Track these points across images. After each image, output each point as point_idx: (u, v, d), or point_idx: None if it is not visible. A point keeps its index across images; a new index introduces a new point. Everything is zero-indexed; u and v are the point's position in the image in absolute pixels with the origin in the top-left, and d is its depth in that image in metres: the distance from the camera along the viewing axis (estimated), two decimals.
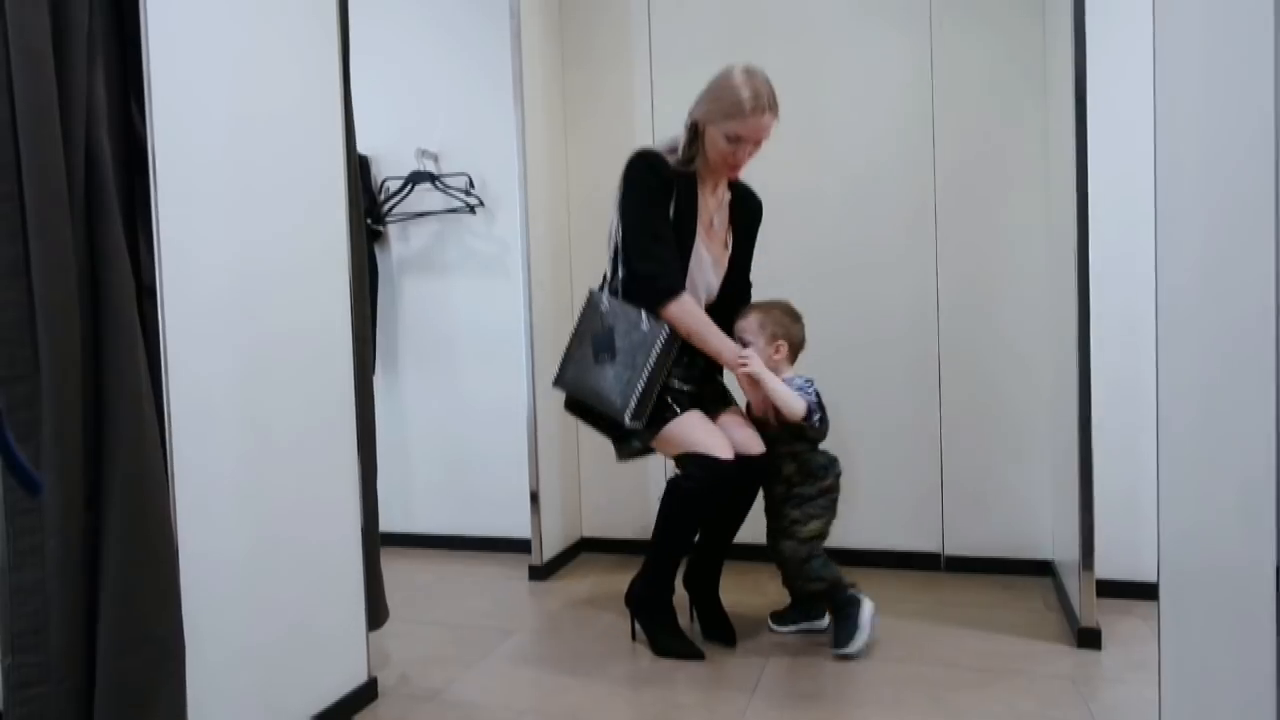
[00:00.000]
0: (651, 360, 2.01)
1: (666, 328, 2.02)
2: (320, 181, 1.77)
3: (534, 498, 2.79)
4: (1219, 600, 1.17)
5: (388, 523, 3.13)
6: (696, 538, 2.18)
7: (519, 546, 2.90)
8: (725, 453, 2.01)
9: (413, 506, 3.20)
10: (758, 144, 2.06)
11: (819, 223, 2.79)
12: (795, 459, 2.13)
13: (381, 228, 3.14)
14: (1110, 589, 2.23)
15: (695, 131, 2.08)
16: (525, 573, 2.79)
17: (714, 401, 2.22)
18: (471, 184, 3.03)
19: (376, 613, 1.95)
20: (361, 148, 3.11)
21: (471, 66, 3.02)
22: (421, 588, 2.72)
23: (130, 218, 1.38)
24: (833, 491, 2.13)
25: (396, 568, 2.91)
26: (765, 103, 2.00)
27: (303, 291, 1.70)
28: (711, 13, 2.85)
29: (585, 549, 3.10)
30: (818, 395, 2.11)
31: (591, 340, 2.11)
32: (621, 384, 2.03)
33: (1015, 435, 2.65)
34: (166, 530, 1.34)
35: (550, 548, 2.85)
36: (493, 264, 3.07)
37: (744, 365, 2.05)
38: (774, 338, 2.12)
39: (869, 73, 2.74)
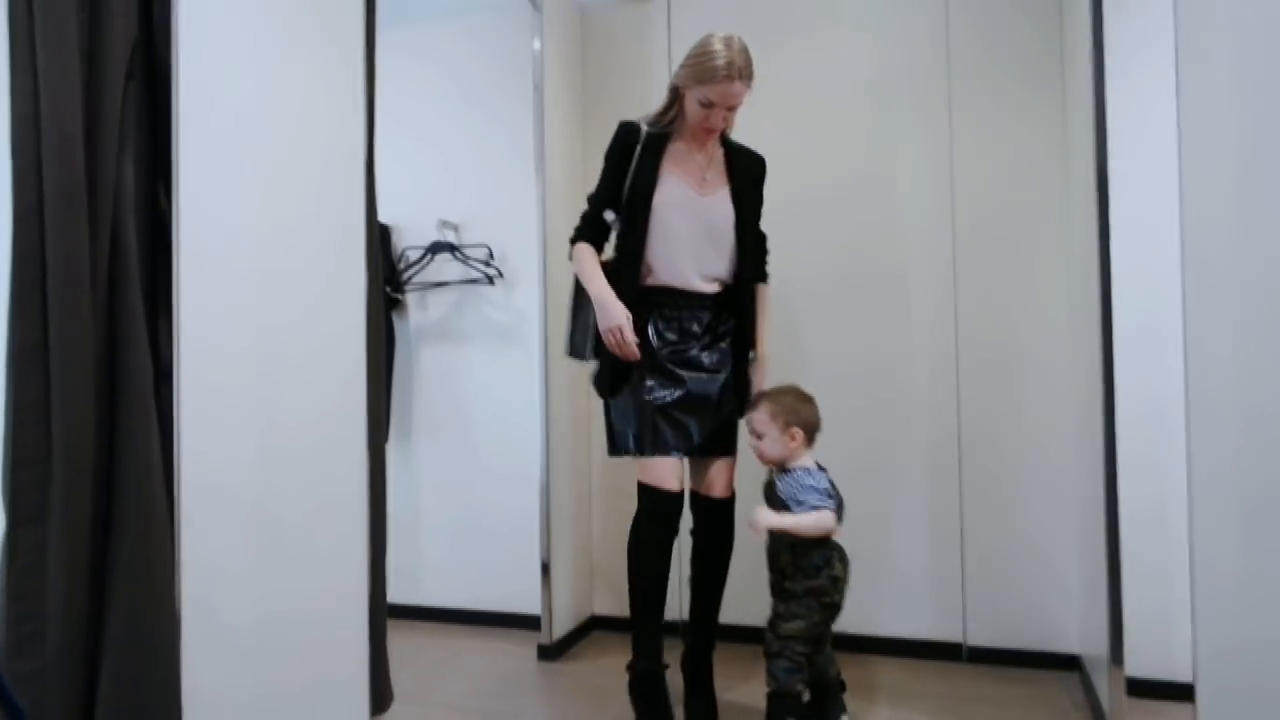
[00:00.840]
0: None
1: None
2: (341, 256, 1.78)
3: (545, 569, 2.74)
4: (1263, 689, 1.11)
5: (397, 594, 3.09)
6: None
7: (529, 623, 2.84)
8: (667, 484, 2.12)
9: (422, 577, 3.15)
10: (730, 109, 2.14)
11: (830, 304, 2.78)
12: (792, 549, 2.03)
13: (400, 296, 3.16)
14: (1141, 688, 2.14)
15: (675, 95, 2.20)
16: (534, 651, 2.72)
17: (719, 438, 2.20)
18: (491, 255, 3.06)
19: (381, 696, 1.90)
20: (383, 217, 3.17)
21: (494, 137, 3.07)
22: (429, 666, 2.66)
23: (152, 300, 1.38)
24: (823, 594, 2.00)
25: (404, 642, 2.85)
26: (737, 71, 2.07)
27: (319, 368, 1.69)
28: None
29: (596, 627, 3.03)
30: (831, 484, 2.04)
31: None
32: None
33: (1039, 519, 2.58)
34: (171, 618, 1.32)
35: (560, 625, 2.79)
36: (510, 335, 3.07)
37: (754, 527, 2.01)
38: (788, 425, 2.06)
39: (888, 148, 2.75)
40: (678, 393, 2.14)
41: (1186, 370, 1.34)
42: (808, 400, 2.12)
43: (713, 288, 2.22)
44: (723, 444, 2.21)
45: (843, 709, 2.11)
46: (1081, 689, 2.38)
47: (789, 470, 2.06)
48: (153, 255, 1.40)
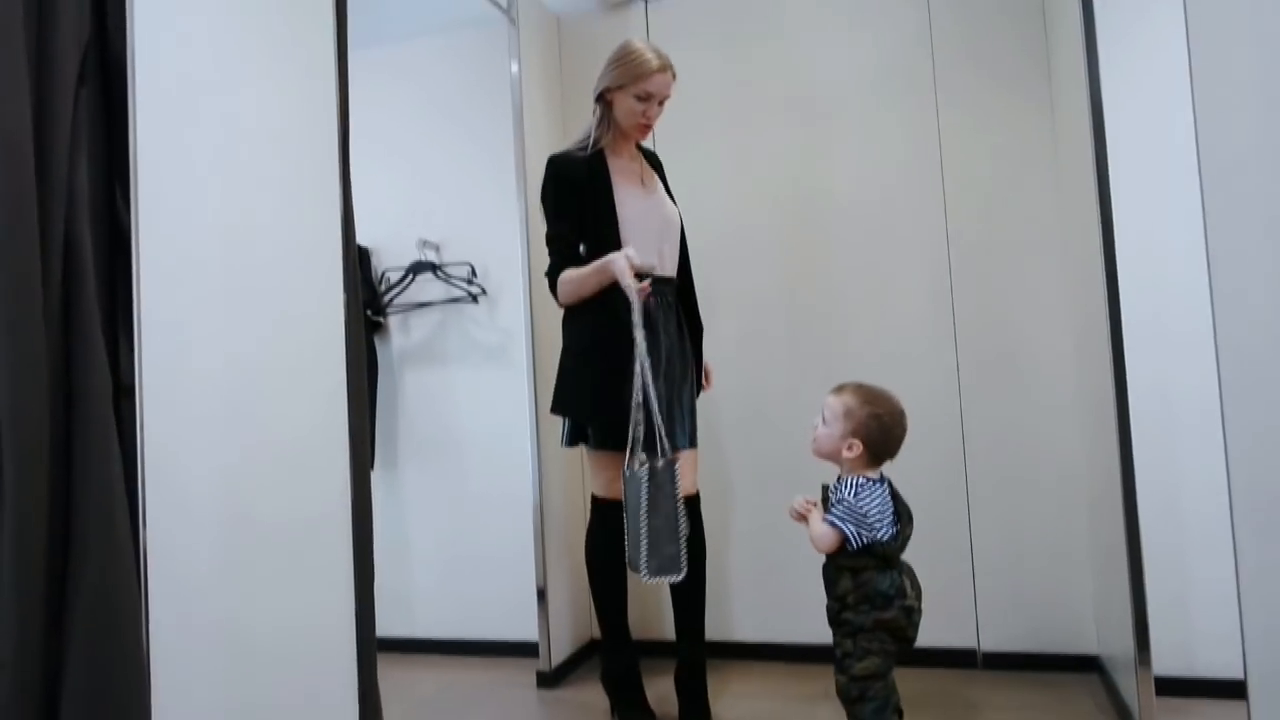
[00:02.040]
0: (643, 508, 1.99)
1: (673, 467, 2.00)
2: (316, 272, 1.70)
3: (541, 595, 2.64)
4: None
5: (388, 626, 2.99)
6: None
7: (526, 650, 2.73)
8: (603, 490, 2.22)
9: (414, 609, 3.04)
10: (662, 102, 2.22)
11: (828, 310, 2.72)
12: (853, 575, 1.79)
13: (382, 319, 3.08)
14: (1166, 686, 2.05)
15: (605, 102, 2.23)
16: (533, 679, 2.61)
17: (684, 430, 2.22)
18: (474, 273, 2.98)
19: None
20: (362, 239, 3.08)
21: (473, 154, 3.00)
22: (422, 701, 2.54)
23: (111, 312, 1.30)
24: (896, 628, 1.77)
25: (396, 677, 2.73)
26: (666, 62, 2.18)
27: (296, 388, 1.60)
28: (713, 100, 2.84)
29: (597, 651, 2.92)
30: (895, 497, 1.84)
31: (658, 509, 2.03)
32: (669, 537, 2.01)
33: (1048, 519, 2.51)
34: (136, 651, 1.22)
35: (559, 651, 2.68)
36: (496, 354, 2.99)
37: (795, 504, 1.91)
38: (852, 433, 1.82)
39: (875, 149, 2.71)
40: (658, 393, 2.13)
41: (1218, 352, 1.27)
42: (899, 422, 1.84)
43: (671, 275, 2.29)
44: (687, 437, 2.23)
45: None
46: (1104, 690, 2.29)
47: (841, 477, 1.87)
48: (111, 264, 1.32)
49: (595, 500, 2.27)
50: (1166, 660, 2.05)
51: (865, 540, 1.78)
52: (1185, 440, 2.24)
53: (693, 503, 2.19)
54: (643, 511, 1.96)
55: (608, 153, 2.26)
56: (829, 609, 1.85)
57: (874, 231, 2.70)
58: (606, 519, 2.22)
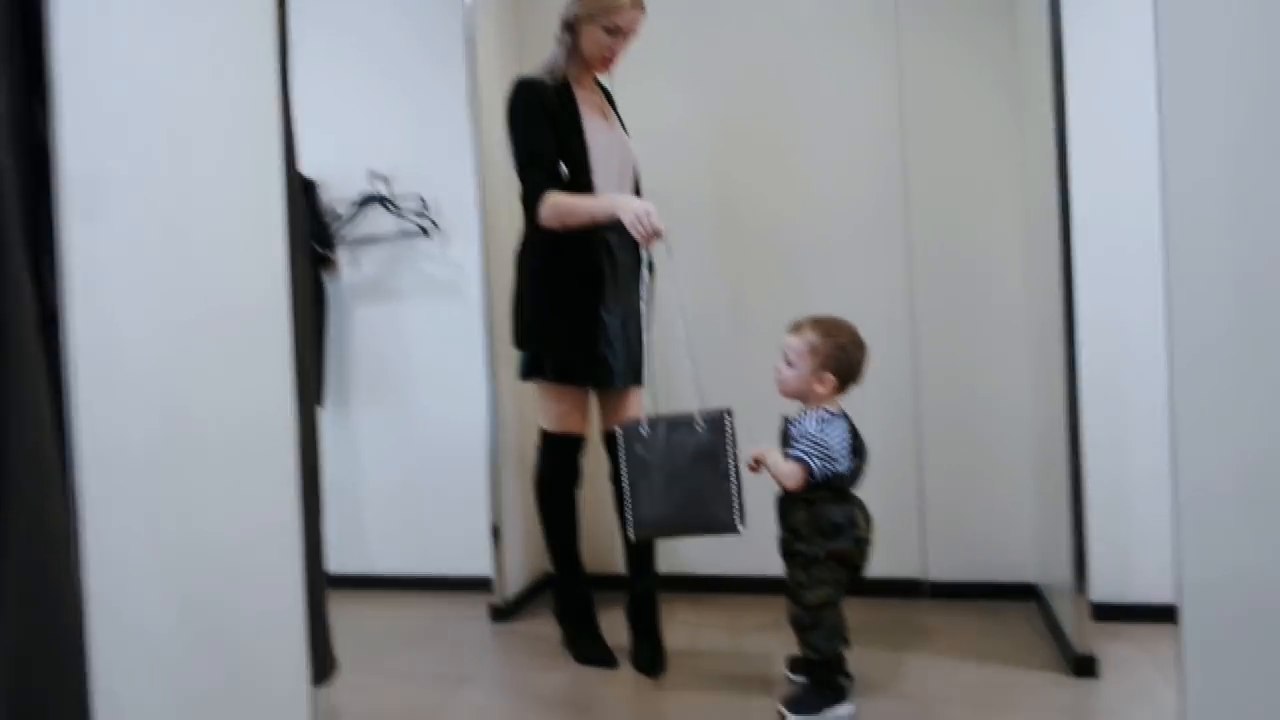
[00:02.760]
0: (731, 457, 1.87)
1: (726, 418, 1.89)
2: (255, 195, 1.62)
3: (495, 532, 2.64)
4: (1251, 612, 1.08)
5: (340, 564, 2.98)
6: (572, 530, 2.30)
7: (481, 585, 2.74)
8: (554, 425, 2.21)
9: (367, 546, 3.03)
10: (627, 37, 2.18)
11: (786, 242, 2.71)
12: (808, 506, 1.83)
13: (330, 253, 2.99)
14: (1100, 612, 2.13)
15: (572, 31, 2.17)
16: (486, 613, 2.63)
17: (635, 368, 2.20)
18: (425, 205, 2.91)
19: (322, 666, 1.79)
20: (307, 170, 2.99)
21: (425, 84, 2.90)
22: (375, 634, 2.55)
23: (34, 236, 1.23)
24: (847, 559, 1.82)
25: (349, 613, 2.72)
26: None
27: (235, 324, 1.55)
28: (673, 27, 2.76)
29: (551, 585, 2.94)
30: (852, 438, 1.86)
31: (652, 470, 1.93)
32: (713, 495, 1.87)
33: (996, 454, 2.56)
34: (72, 589, 1.18)
35: (513, 585, 2.70)
36: (449, 289, 2.93)
37: (755, 447, 1.88)
38: (822, 367, 1.84)
39: (837, 99, 2.67)
40: (617, 323, 2.17)
41: (1169, 294, 1.28)
42: (860, 346, 1.88)
43: None
44: (636, 374, 2.21)
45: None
46: (1040, 616, 2.38)
47: (805, 411, 1.89)
48: (34, 189, 1.25)
49: (546, 435, 2.25)
50: (1102, 587, 2.13)
51: (828, 473, 1.80)
52: (1132, 373, 2.29)
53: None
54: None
55: (572, 83, 2.21)
56: (782, 541, 1.88)
57: (831, 176, 2.67)
58: (556, 454, 2.23)
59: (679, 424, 1.90)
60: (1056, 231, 1.97)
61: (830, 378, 1.85)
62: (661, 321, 2.17)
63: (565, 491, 2.26)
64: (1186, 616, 1.32)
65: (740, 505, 1.85)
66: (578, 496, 2.29)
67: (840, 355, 1.85)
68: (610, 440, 2.22)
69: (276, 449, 1.66)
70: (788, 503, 1.87)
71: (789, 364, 1.88)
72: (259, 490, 1.60)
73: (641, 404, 2.24)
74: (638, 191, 2.33)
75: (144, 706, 1.32)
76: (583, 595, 2.31)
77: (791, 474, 1.82)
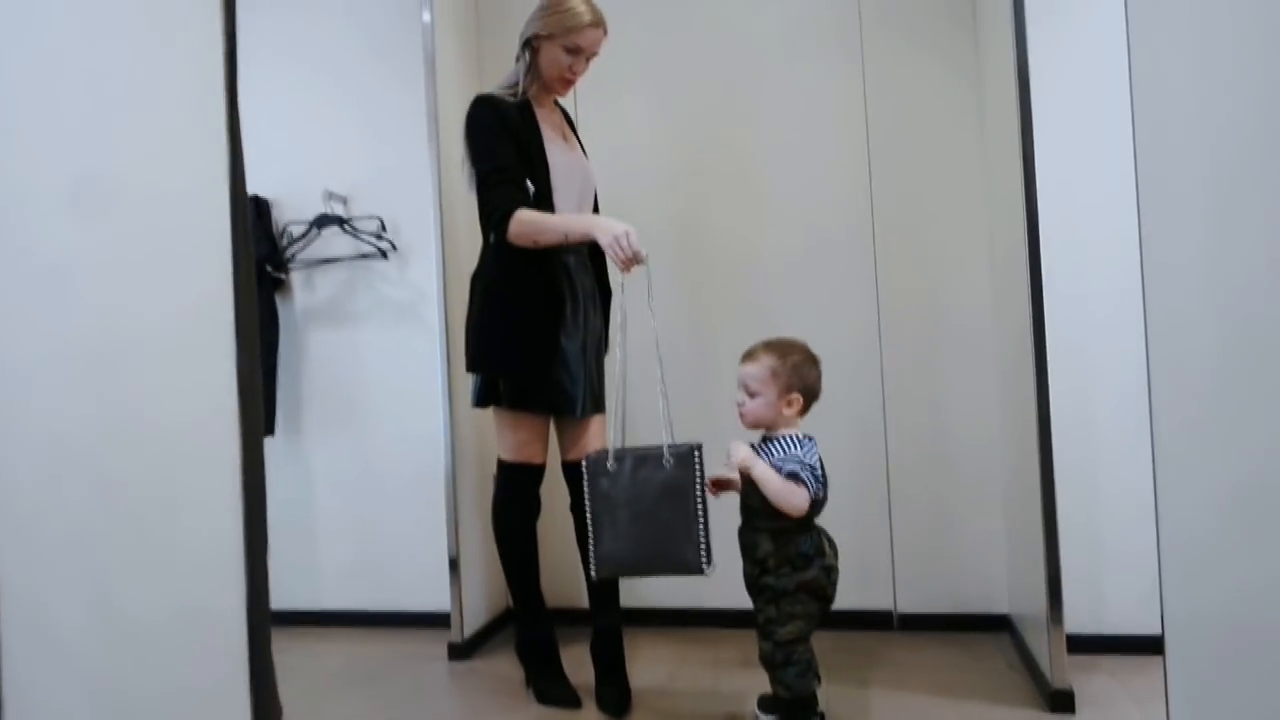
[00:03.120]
0: (699, 495, 1.78)
1: (695, 453, 1.79)
2: (198, 215, 1.54)
3: (453, 565, 2.54)
4: (1237, 645, 1.03)
5: (291, 600, 2.85)
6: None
7: (439, 621, 2.62)
8: (512, 454, 2.12)
9: (320, 581, 2.90)
10: (590, 58, 2.14)
11: (750, 267, 2.67)
12: (774, 538, 1.75)
13: (283, 275, 2.89)
14: (1074, 644, 2.07)
15: (532, 49, 2.12)
16: (445, 651, 2.52)
17: (596, 396, 2.16)
18: (384, 227, 2.82)
19: (265, 711, 1.67)
20: (261, 190, 2.90)
21: (384, 104, 2.83)
22: (328, 674, 2.42)
23: None
24: (817, 589, 1.75)
25: (300, 651, 2.61)
26: (599, 17, 2.10)
27: (172, 345, 1.45)
28: (638, 46, 2.73)
29: (512, 621, 2.83)
30: (821, 464, 1.78)
31: (617, 506, 1.84)
32: (680, 534, 1.77)
33: (965, 483, 2.52)
34: None
35: (472, 622, 2.59)
36: (407, 313, 2.84)
37: (736, 466, 1.77)
38: (788, 389, 1.78)
39: (802, 122, 2.65)
40: (576, 349, 2.11)
41: (1146, 314, 1.25)
42: (815, 362, 1.83)
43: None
44: (597, 402, 2.17)
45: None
46: (1014, 648, 2.33)
47: (775, 437, 1.81)
48: None
49: (502, 464, 2.17)
50: (1075, 618, 2.08)
51: (820, 496, 1.75)
52: (1102, 405, 2.27)
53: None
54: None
55: (533, 102, 2.16)
56: (747, 575, 1.81)
57: (797, 200, 2.64)
58: (514, 483, 2.15)
59: (646, 458, 1.82)
60: (1024, 258, 1.94)
61: (798, 398, 1.80)
62: (626, 350, 2.09)
63: (524, 523, 2.17)
64: (1171, 650, 1.28)
65: (707, 545, 1.77)
66: (537, 528, 2.20)
67: (802, 371, 1.80)
68: (570, 470, 2.14)
69: (216, 473, 1.56)
70: (750, 534, 1.79)
71: (751, 394, 1.81)
72: (194, 518, 1.49)
73: (604, 433, 2.17)
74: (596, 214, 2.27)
75: None
76: (544, 632, 2.21)
77: (795, 493, 1.70)
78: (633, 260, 1.92)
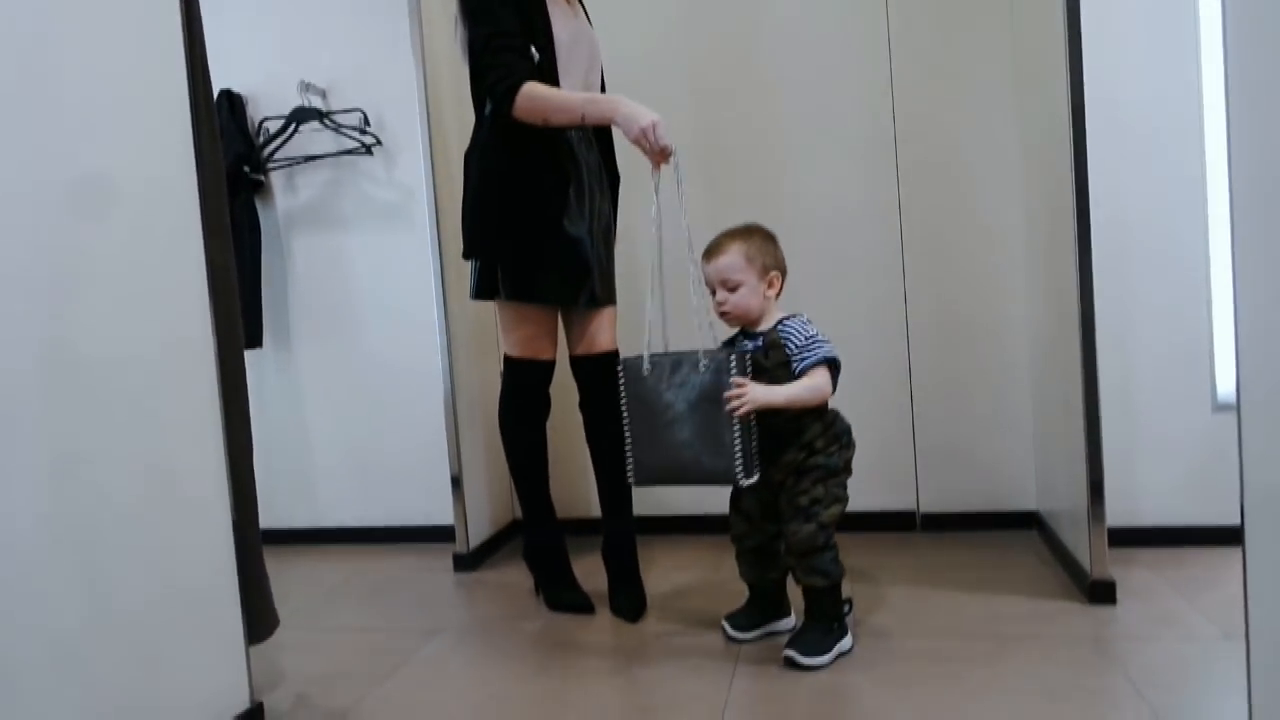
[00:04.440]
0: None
1: (732, 357, 1.62)
2: (151, 113, 1.36)
3: (455, 482, 2.43)
4: None
5: (289, 518, 2.75)
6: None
7: (442, 535, 2.52)
8: (518, 350, 1.97)
9: (317, 498, 2.80)
10: None
11: (767, 157, 2.50)
12: (821, 419, 1.67)
13: (262, 177, 2.71)
14: (1109, 538, 1.97)
15: None
16: (450, 563, 2.42)
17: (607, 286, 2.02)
18: (366, 121, 2.63)
19: (260, 622, 1.57)
20: (234, 84, 2.69)
21: None
22: (327, 589, 2.33)
23: None
24: (851, 466, 1.71)
25: (299, 568, 2.52)
26: None
27: (136, 258, 1.30)
28: None
29: (518, 531, 2.74)
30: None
31: (653, 412, 1.69)
32: (715, 444, 1.63)
33: (989, 377, 2.40)
34: None
35: (477, 534, 2.49)
36: (395, 213, 2.67)
37: (739, 400, 1.59)
38: (766, 270, 1.68)
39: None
40: (583, 235, 1.94)
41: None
42: (775, 238, 1.74)
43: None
44: (608, 292, 2.02)
45: (787, 610, 1.82)
46: (1045, 545, 2.23)
47: (773, 325, 1.69)
48: None
49: (509, 361, 2.01)
50: (1111, 511, 1.97)
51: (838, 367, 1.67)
52: (1137, 291, 2.13)
53: (611, 360, 1.97)
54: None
55: None
56: (792, 463, 1.67)
57: (814, 86, 2.45)
58: (522, 381, 2.00)
59: (681, 362, 1.66)
60: (1068, 139, 1.76)
61: (777, 275, 1.70)
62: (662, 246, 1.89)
63: (533, 423, 2.03)
64: (1250, 531, 1.16)
65: (746, 455, 1.62)
66: (547, 430, 2.07)
67: (771, 249, 1.71)
68: (578, 365, 2.01)
69: (194, 386, 1.42)
70: (794, 420, 1.66)
71: (731, 288, 1.68)
72: (169, 435, 1.35)
73: (613, 326, 2.03)
74: (604, 92, 2.07)
75: (42, 663, 1.09)
76: (553, 537, 2.09)
77: (824, 383, 1.63)
78: (662, 155, 1.76)
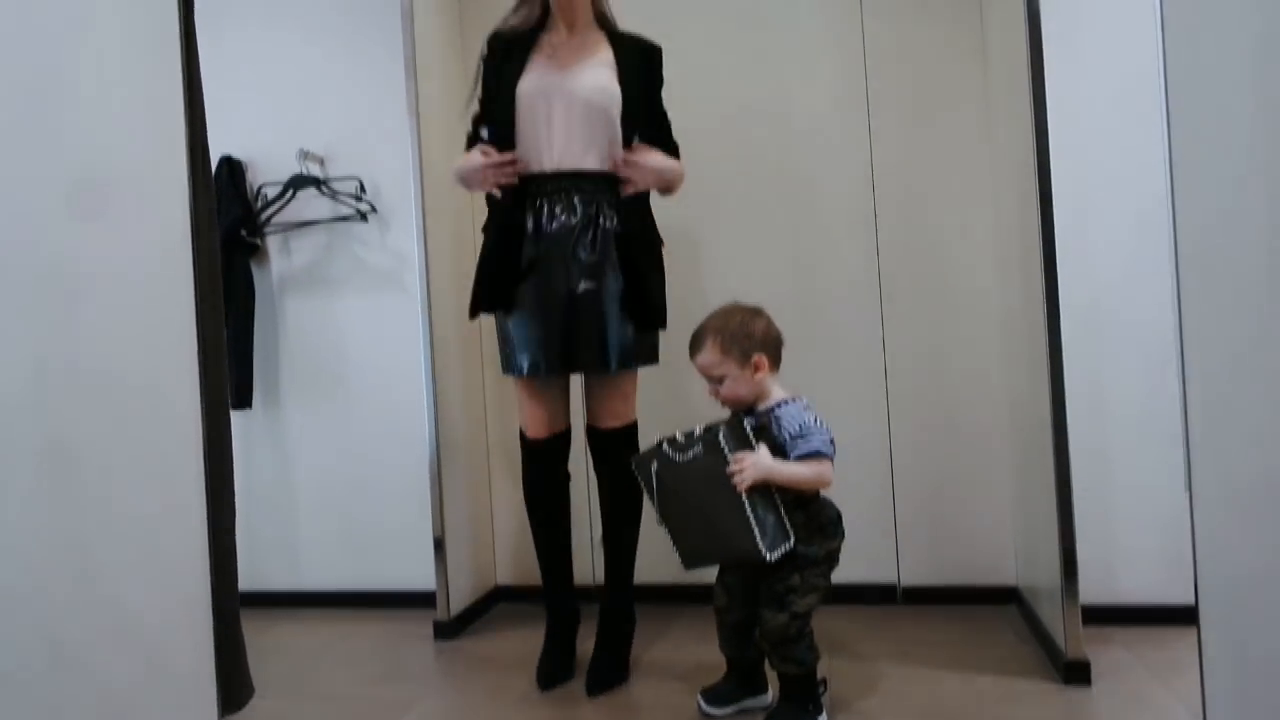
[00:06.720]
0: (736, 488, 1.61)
1: (720, 434, 1.63)
2: (154, 176, 1.41)
3: (438, 545, 2.43)
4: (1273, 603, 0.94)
5: (270, 580, 2.74)
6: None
7: (424, 601, 2.51)
8: (527, 427, 2.01)
9: (300, 560, 2.79)
10: None
11: (752, 219, 2.56)
12: (804, 507, 1.66)
13: (259, 240, 2.76)
14: (1086, 615, 1.98)
15: None
16: (430, 630, 2.41)
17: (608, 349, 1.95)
18: (362, 188, 2.69)
19: (235, 691, 1.56)
20: (234, 150, 2.76)
21: (360, 55, 2.70)
22: (308, 655, 2.31)
23: None
24: (835, 559, 1.71)
25: (279, 632, 2.50)
26: None
27: (125, 314, 1.33)
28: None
29: (501, 599, 2.74)
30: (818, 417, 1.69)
31: (673, 497, 1.71)
32: (731, 523, 1.61)
33: (969, 451, 2.43)
34: None
35: (459, 600, 2.48)
36: (387, 278, 2.72)
37: (739, 476, 1.59)
38: (746, 356, 1.67)
39: (801, 67, 2.53)
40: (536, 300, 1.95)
41: (1176, 251, 1.15)
42: (758, 313, 1.73)
43: (590, 164, 1.94)
44: (602, 360, 1.94)
45: (765, 687, 1.81)
46: (1023, 620, 2.24)
47: (769, 407, 1.69)
48: None
49: (519, 434, 2.07)
50: (1088, 589, 1.98)
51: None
52: (1111, 366, 2.18)
53: (628, 434, 2.00)
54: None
55: (547, 30, 2.03)
56: None
57: (798, 152, 2.53)
58: (526, 454, 2.05)
59: (689, 443, 1.67)
60: (1036, 213, 1.83)
61: (761, 357, 1.68)
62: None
63: (553, 500, 2.06)
64: (1205, 616, 1.18)
65: (763, 528, 1.58)
66: (569, 498, 2.10)
67: (749, 331, 1.69)
68: (589, 435, 2.04)
69: (177, 442, 1.44)
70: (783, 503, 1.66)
71: (719, 380, 1.71)
72: (152, 494, 1.37)
73: (626, 398, 2.01)
74: (626, 139, 1.97)
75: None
76: (558, 610, 2.10)
77: (827, 472, 1.63)
78: (502, 170, 1.90)
